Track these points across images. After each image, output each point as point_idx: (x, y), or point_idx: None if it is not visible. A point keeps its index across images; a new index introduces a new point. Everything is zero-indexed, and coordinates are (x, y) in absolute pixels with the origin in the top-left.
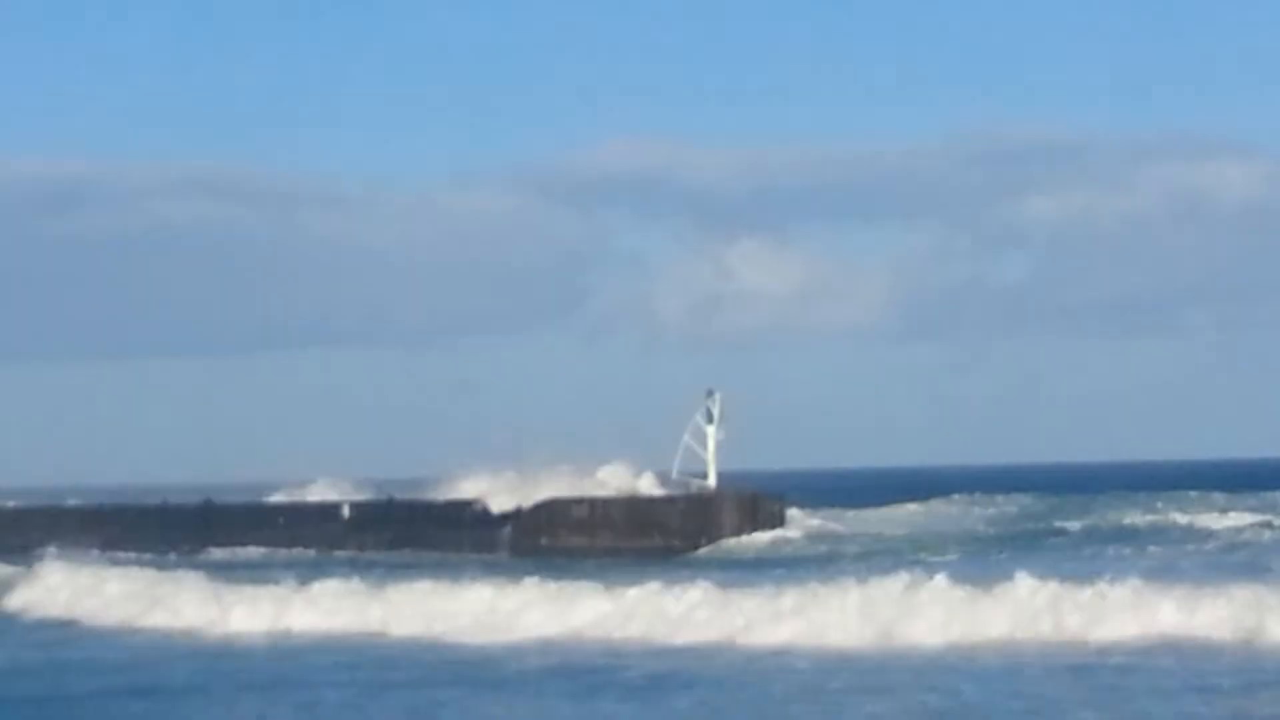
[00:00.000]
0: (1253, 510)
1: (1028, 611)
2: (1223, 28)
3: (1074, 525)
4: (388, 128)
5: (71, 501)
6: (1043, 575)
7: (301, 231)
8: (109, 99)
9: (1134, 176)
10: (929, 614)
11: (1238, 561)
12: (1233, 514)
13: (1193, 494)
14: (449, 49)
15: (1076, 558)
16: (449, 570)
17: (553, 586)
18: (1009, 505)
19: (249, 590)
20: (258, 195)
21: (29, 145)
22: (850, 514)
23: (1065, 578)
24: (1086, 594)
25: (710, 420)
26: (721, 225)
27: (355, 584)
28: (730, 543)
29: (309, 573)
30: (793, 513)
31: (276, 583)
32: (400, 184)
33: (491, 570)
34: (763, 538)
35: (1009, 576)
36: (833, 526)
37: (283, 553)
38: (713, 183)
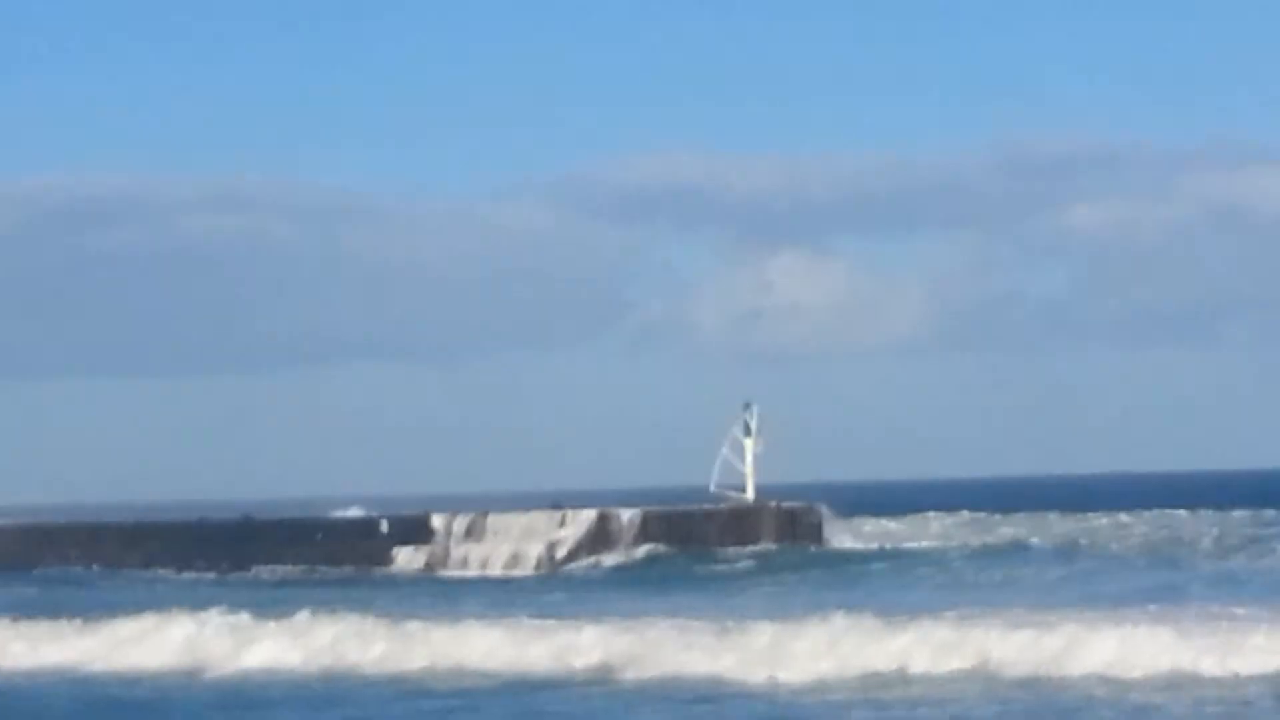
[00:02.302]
0: (1151, 524)
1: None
2: (1260, 36)
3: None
4: (426, 140)
5: (110, 518)
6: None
7: (339, 245)
8: (143, 114)
9: (1174, 186)
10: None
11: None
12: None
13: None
14: (489, 61)
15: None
16: None
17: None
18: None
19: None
20: (294, 209)
21: (62, 161)
22: (890, 525)
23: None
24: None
25: (748, 433)
26: (761, 238)
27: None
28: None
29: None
30: (830, 525)
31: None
32: (438, 196)
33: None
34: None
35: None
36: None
37: (330, 571)
38: (752, 195)
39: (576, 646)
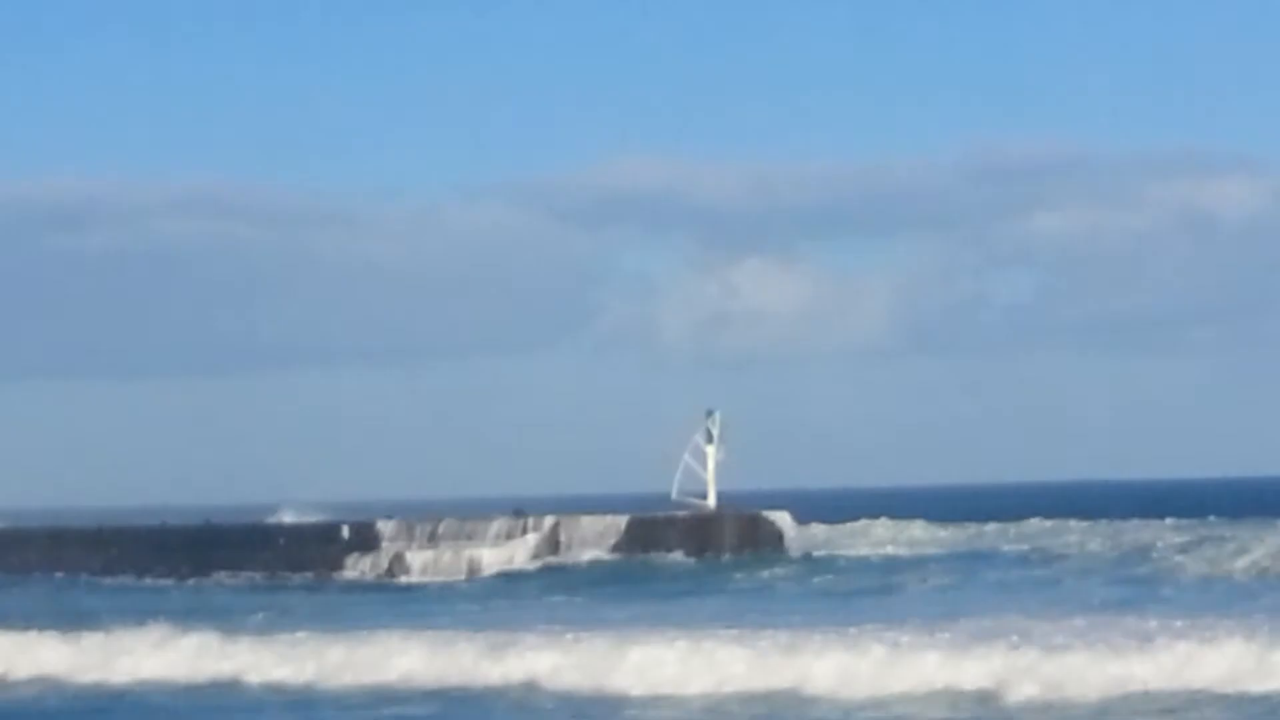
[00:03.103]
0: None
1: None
2: (1230, 44)
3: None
4: (393, 143)
5: (71, 523)
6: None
7: (306, 249)
8: (112, 118)
9: (1141, 193)
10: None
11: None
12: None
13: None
14: (456, 64)
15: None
16: None
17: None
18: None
19: None
20: (261, 212)
21: (32, 164)
22: (850, 530)
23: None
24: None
25: (710, 440)
26: (727, 243)
27: None
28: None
29: None
30: (791, 533)
31: None
32: (406, 200)
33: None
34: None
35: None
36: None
37: (291, 577)
38: (719, 201)
39: (456, 657)
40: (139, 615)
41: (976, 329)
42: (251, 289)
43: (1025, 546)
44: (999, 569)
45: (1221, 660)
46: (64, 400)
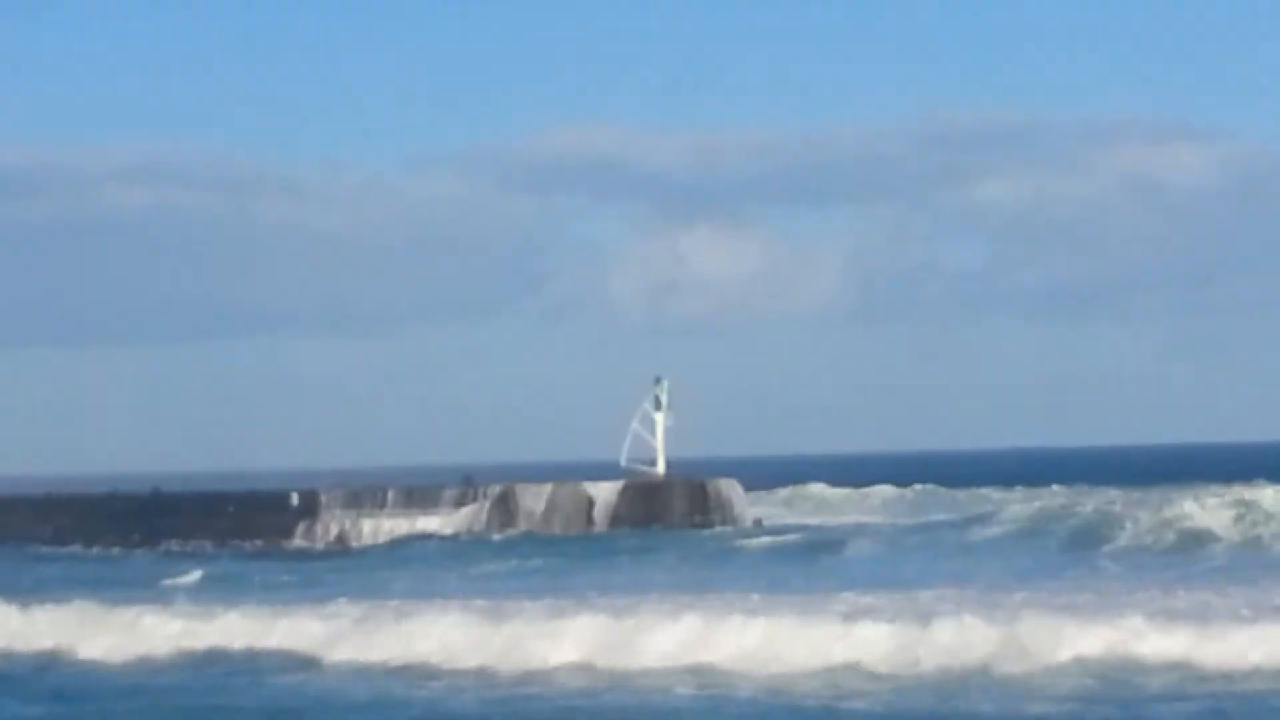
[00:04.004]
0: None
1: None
2: (1178, 13)
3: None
4: (341, 112)
5: (19, 491)
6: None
7: (254, 217)
8: (57, 85)
9: (1089, 161)
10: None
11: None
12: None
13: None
14: (404, 33)
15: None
16: None
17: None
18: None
19: None
20: (209, 180)
21: None
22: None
23: None
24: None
25: (659, 407)
26: (676, 210)
27: None
28: None
29: None
30: (740, 500)
31: None
32: (353, 168)
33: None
34: None
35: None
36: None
37: (240, 545)
38: (668, 168)
39: (300, 628)
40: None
41: (925, 296)
42: (199, 257)
43: (957, 515)
44: (920, 536)
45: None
46: (9, 368)
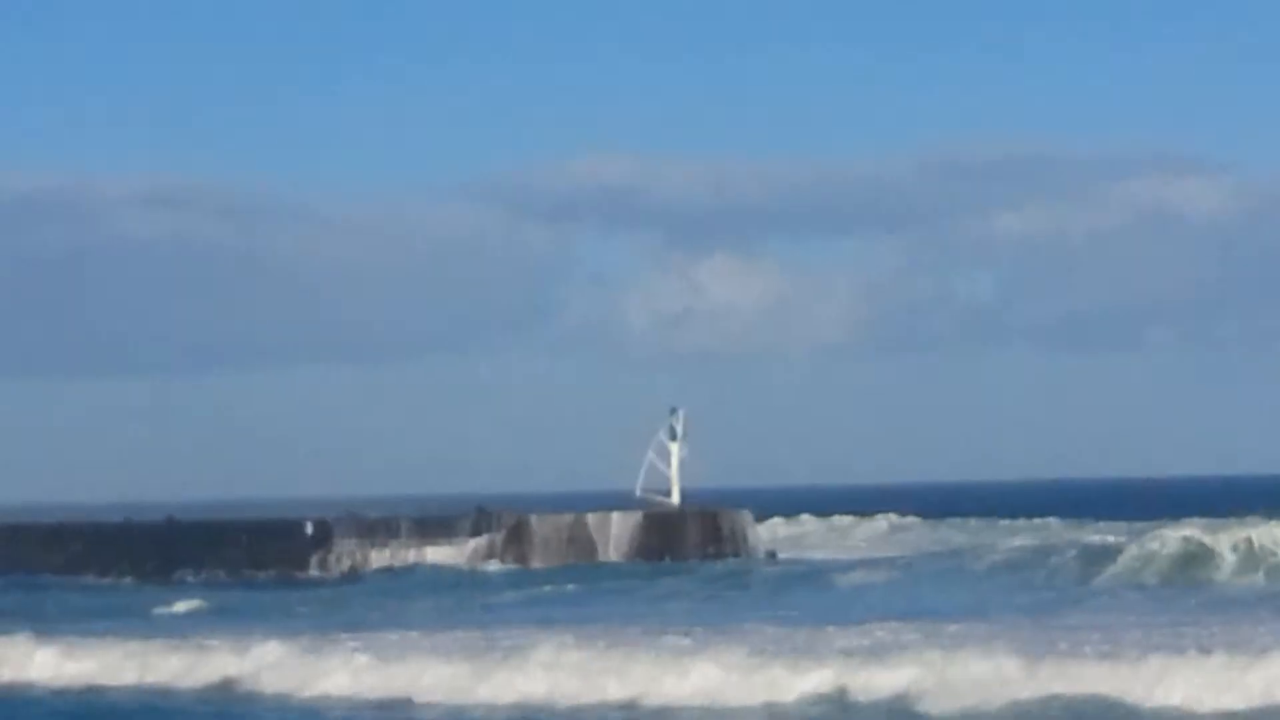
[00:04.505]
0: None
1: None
2: (1191, 46)
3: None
4: (355, 141)
5: (32, 519)
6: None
7: (266, 246)
8: (70, 111)
9: (1101, 193)
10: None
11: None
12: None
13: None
14: (418, 62)
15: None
16: None
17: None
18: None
19: None
20: (221, 209)
21: None
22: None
23: None
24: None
25: (674, 437)
26: (689, 240)
27: None
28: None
29: None
30: (753, 532)
31: None
32: (367, 198)
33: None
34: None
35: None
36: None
37: (254, 575)
38: (680, 198)
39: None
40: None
41: (937, 326)
42: (210, 286)
43: (955, 546)
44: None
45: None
46: (21, 398)
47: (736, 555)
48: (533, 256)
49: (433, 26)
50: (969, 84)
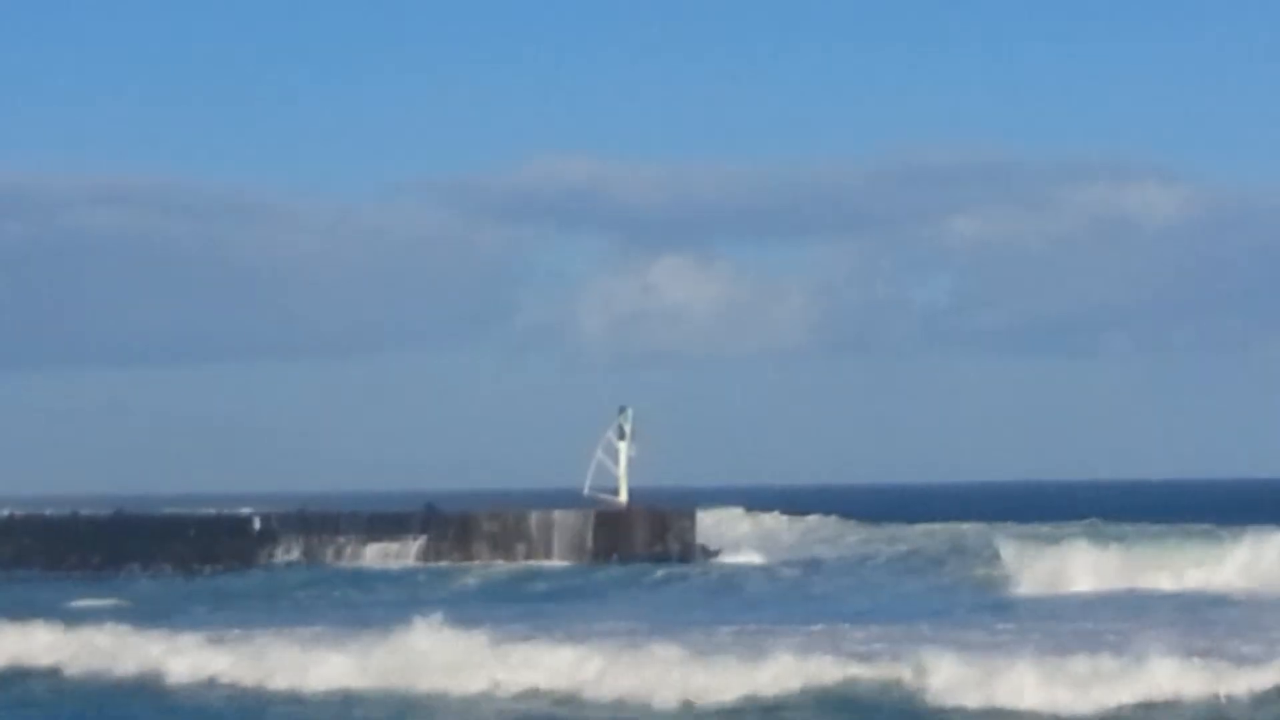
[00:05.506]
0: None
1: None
2: (1146, 53)
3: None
4: (314, 140)
5: None
6: None
7: (223, 244)
8: (26, 109)
9: (1057, 199)
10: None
11: None
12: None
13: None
14: (377, 63)
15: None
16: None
17: None
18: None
19: None
20: (177, 206)
21: None
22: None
23: None
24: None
25: (622, 436)
26: (645, 242)
27: None
28: None
29: None
30: (699, 531)
31: None
32: (325, 196)
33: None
34: None
35: None
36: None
37: (202, 568)
38: (636, 200)
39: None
40: None
41: (893, 331)
42: (167, 282)
43: (904, 547)
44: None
45: None
46: None
47: (683, 555)
48: (489, 256)
49: (391, 28)
50: (926, 90)
